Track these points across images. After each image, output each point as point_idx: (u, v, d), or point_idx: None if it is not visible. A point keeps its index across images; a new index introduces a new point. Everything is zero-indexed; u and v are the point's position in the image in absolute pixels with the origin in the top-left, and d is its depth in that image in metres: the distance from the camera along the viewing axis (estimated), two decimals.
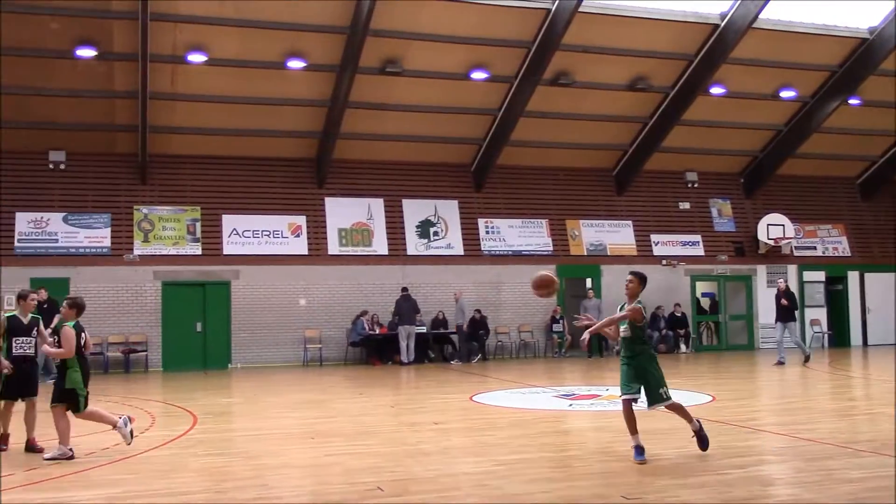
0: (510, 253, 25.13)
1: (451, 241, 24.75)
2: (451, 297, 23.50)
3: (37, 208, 21.66)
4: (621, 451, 8.55)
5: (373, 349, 22.91)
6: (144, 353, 21.59)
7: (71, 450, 8.89)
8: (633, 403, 8.25)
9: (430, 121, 23.73)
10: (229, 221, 22.96)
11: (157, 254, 22.21)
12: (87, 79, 20.66)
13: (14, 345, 9.57)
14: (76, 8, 19.07)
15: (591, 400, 13.49)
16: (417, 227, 24.56)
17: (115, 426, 9.22)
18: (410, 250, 24.27)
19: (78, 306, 9.41)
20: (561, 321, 24.54)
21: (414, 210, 24.65)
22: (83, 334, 9.32)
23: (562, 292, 25.16)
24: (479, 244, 24.97)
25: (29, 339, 9.67)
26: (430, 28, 21.04)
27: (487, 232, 25.18)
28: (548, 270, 9.38)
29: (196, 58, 20.52)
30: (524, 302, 24.71)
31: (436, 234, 24.68)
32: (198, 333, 22.23)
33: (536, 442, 9.67)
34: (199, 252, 22.57)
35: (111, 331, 21.44)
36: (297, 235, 23.43)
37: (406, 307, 22.59)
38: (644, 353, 8.39)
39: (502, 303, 24.75)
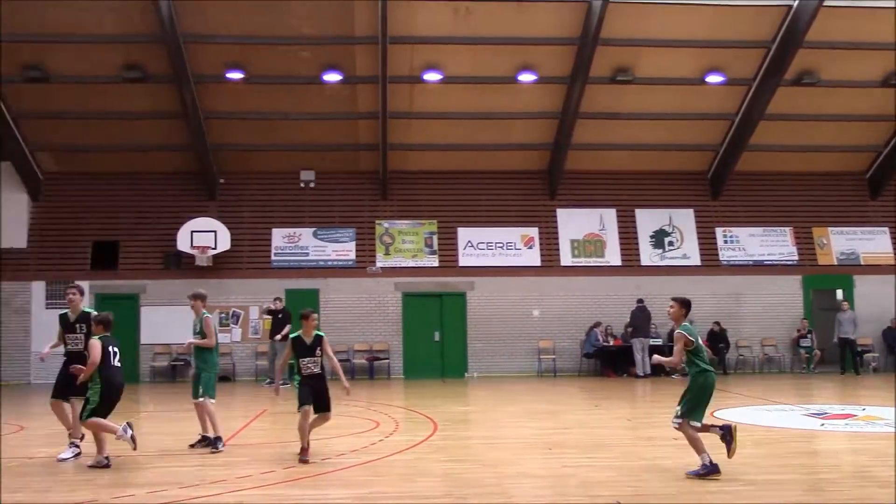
0: (751, 263, 23.99)
1: (687, 250, 24.01)
2: None
3: (290, 224, 23.35)
4: (883, 477, 7.90)
5: (607, 361, 22.65)
6: (387, 360, 22.61)
7: (107, 458, 9.28)
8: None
9: (663, 128, 23.19)
10: (464, 234, 23.60)
11: (398, 266, 23.23)
12: (333, 102, 22.05)
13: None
14: (323, 37, 20.40)
15: (845, 420, 12.57)
16: (651, 237, 24.05)
17: (116, 435, 9.32)
18: (644, 261, 23.79)
19: (104, 322, 9.62)
20: (809, 335, 23.06)
21: (648, 220, 24.16)
22: (111, 348, 9.52)
23: (808, 304, 23.69)
24: (717, 254, 24.03)
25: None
26: (660, 33, 20.60)
27: (726, 241, 24.19)
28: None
29: (431, 76, 21.31)
30: (767, 314, 23.49)
31: (671, 243, 24.04)
32: (436, 343, 22.98)
33: (785, 462, 9.15)
34: (436, 264, 23.36)
35: (356, 339, 22.65)
36: (530, 247, 23.67)
37: (641, 318, 22.16)
38: (693, 374, 8.44)
39: (743, 315, 23.63)
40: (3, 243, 22.59)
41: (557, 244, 23.78)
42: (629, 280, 23.42)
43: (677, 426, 8.41)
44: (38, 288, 22.10)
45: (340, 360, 21.88)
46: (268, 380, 20.60)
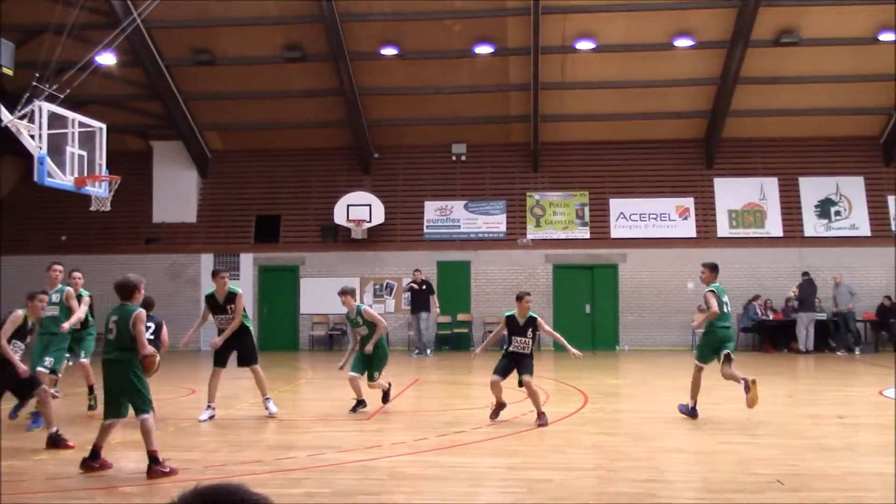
0: None
1: (856, 220, 22.71)
2: (856, 282, 21.56)
3: (442, 197, 23.66)
4: None
5: (766, 335, 21.81)
6: (537, 333, 22.55)
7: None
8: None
9: (831, 91, 21.95)
10: (616, 205, 23.22)
11: (548, 238, 23.14)
12: (484, 74, 22.10)
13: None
14: (475, 10, 20.45)
15: None
16: (816, 206, 22.89)
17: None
18: (808, 231, 22.70)
19: (145, 304, 8.98)
20: None
21: (812, 188, 23.00)
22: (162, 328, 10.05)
23: None
24: (889, 224, 22.61)
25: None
26: None
27: None
28: None
29: (584, 45, 20.99)
30: None
31: (837, 213, 22.81)
32: (587, 315, 22.80)
33: None
34: (587, 236, 23.12)
35: (506, 311, 22.70)
36: (685, 218, 23.03)
37: (809, 292, 21.11)
38: (711, 326, 10.23)
39: None
40: (175, 218, 24.05)
41: (714, 215, 23.02)
42: (791, 252, 22.41)
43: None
44: (207, 260, 23.37)
45: (491, 332, 22.19)
46: (416, 350, 21.09)
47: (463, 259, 23.04)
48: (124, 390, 7.54)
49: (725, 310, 10.30)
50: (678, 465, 7.79)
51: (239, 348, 10.63)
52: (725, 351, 10.13)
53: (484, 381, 10.11)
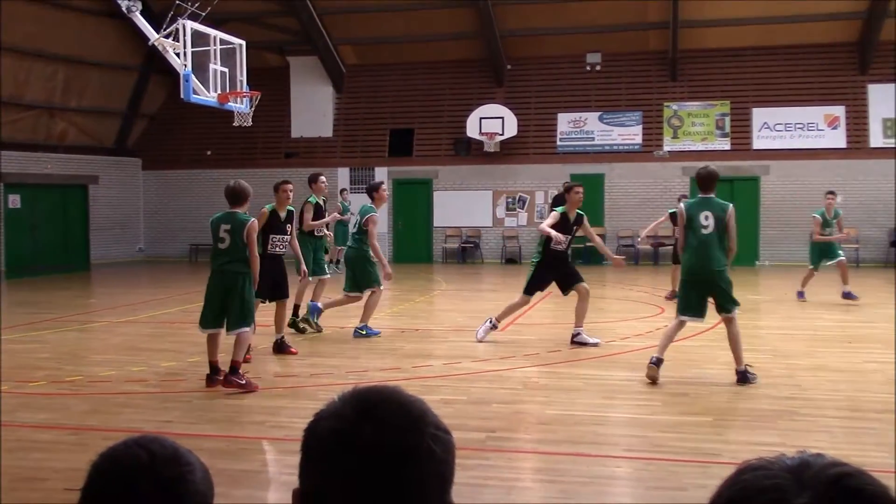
0: None
1: None
2: None
3: (575, 108, 23.20)
4: None
5: None
6: (671, 246, 22.14)
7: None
8: None
9: None
10: (760, 115, 22.18)
11: (686, 150, 22.43)
12: None
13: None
14: None
15: None
16: None
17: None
18: None
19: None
20: None
21: None
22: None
23: None
24: None
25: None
26: None
27: None
28: None
29: None
30: None
31: None
32: None
33: None
34: (727, 147, 22.27)
35: (641, 225, 22.34)
36: (835, 127, 21.81)
37: None
38: None
39: None
40: (312, 132, 24.61)
41: (866, 124, 21.69)
42: None
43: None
44: (344, 174, 23.86)
45: (626, 246, 21.93)
46: None
47: (597, 172, 22.66)
48: (232, 301, 7.47)
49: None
50: (821, 384, 7.58)
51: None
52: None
53: (616, 294, 10.04)
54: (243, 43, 13.74)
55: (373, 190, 10.35)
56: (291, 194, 9.48)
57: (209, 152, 24.88)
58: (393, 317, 11.33)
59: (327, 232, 11.46)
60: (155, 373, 8.25)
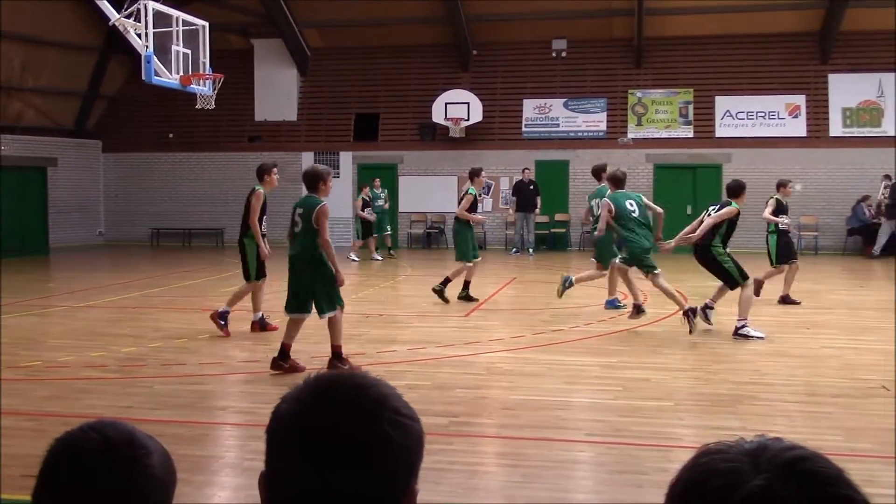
0: None
1: None
2: None
3: (541, 95, 23.23)
4: None
5: (872, 238, 21.00)
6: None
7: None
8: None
9: None
10: (722, 103, 22.39)
11: (650, 137, 22.58)
12: None
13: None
14: None
15: None
16: None
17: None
18: None
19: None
20: None
21: None
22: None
23: None
24: None
25: None
26: None
27: None
28: None
29: None
30: None
31: None
32: (688, 216, 22.27)
33: None
34: (690, 135, 22.46)
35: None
36: (795, 116, 22.08)
37: None
38: None
39: None
40: (276, 116, 24.39)
41: (826, 113, 21.98)
42: None
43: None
44: (308, 158, 23.71)
45: (587, 234, 22.00)
46: (514, 249, 21.25)
47: (562, 158, 22.75)
48: (311, 286, 7.40)
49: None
50: (780, 369, 7.71)
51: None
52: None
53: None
54: (206, 24, 13.57)
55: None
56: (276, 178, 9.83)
57: (171, 135, 24.58)
58: (357, 302, 11.30)
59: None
60: (115, 358, 8.16)
